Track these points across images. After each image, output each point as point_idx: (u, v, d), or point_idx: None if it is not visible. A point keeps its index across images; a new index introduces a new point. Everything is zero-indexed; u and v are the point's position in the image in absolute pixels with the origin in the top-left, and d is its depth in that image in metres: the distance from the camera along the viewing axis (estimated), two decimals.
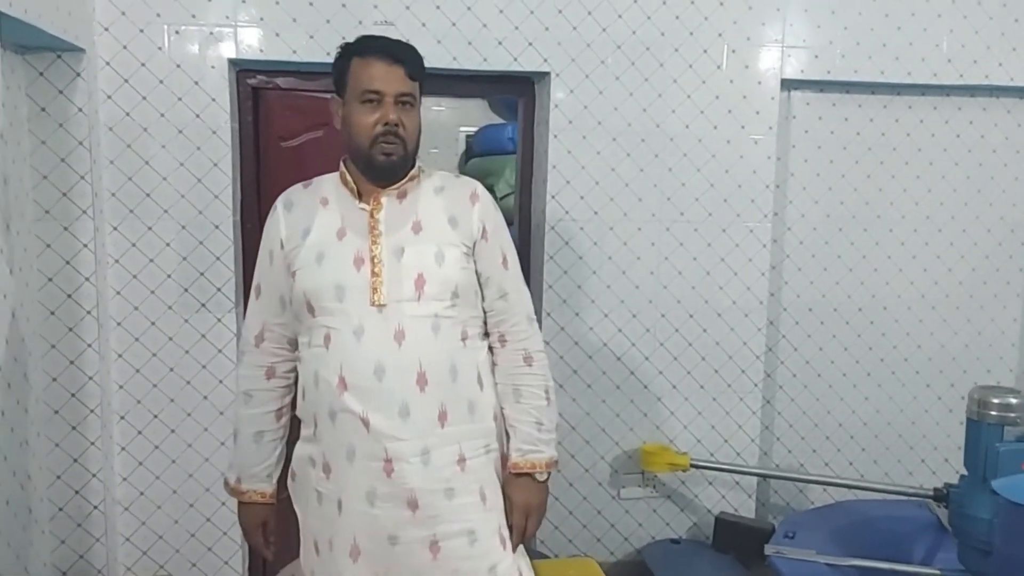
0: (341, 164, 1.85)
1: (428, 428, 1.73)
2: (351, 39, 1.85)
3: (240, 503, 1.94)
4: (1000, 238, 3.53)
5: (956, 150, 3.45)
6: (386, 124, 1.73)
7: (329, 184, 1.87)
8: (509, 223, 3.27)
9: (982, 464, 2.64)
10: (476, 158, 5.90)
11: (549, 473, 1.87)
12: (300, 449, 1.85)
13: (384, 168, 1.76)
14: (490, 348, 1.88)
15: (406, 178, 1.82)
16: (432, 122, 6.14)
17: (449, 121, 6.28)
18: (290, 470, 1.89)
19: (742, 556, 3.14)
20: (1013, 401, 2.64)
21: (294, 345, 1.85)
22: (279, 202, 1.88)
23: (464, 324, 1.78)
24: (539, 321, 3.04)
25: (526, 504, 1.83)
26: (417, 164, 1.86)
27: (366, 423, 1.70)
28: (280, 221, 1.85)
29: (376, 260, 1.75)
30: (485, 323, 1.86)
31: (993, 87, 3.34)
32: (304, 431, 1.83)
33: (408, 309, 1.73)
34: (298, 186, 1.91)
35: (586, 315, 3.14)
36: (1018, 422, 2.63)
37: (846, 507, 3.26)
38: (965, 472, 2.72)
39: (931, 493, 2.87)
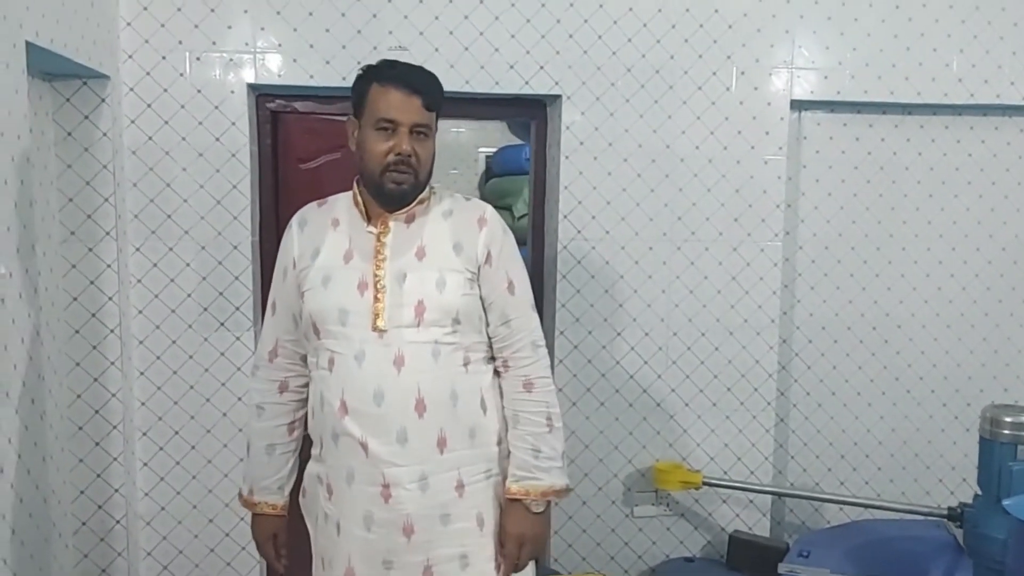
0: (354, 184, 1.88)
1: (426, 454, 1.75)
2: (367, 63, 1.88)
3: (253, 515, 1.98)
4: (1015, 256, 3.52)
5: (968, 169, 3.45)
6: (399, 154, 1.76)
7: (342, 204, 1.90)
8: (524, 243, 3.35)
9: (996, 483, 2.62)
10: (495, 178, 5.97)
11: (549, 502, 1.85)
12: (310, 467, 1.89)
13: (394, 196, 1.80)
14: (496, 372, 1.89)
15: (415, 202, 1.85)
16: (451, 143, 6.25)
17: (469, 142, 6.36)
18: (302, 486, 1.93)
19: (756, 575, 3.14)
20: None
21: (307, 361, 1.89)
22: (294, 220, 1.93)
23: (467, 349, 1.80)
24: (552, 340, 3.11)
25: (519, 534, 1.81)
26: (429, 187, 1.88)
27: (365, 447, 1.73)
28: (294, 240, 1.89)
29: (379, 285, 1.77)
30: (491, 347, 1.88)
31: (1005, 106, 3.35)
32: (313, 450, 1.87)
33: (408, 335, 1.75)
34: (313, 205, 1.95)
35: (599, 333, 3.17)
36: None
37: (862, 526, 3.25)
38: (980, 492, 2.71)
39: (945, 512, 2.86)
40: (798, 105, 3.25)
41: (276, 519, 1.97)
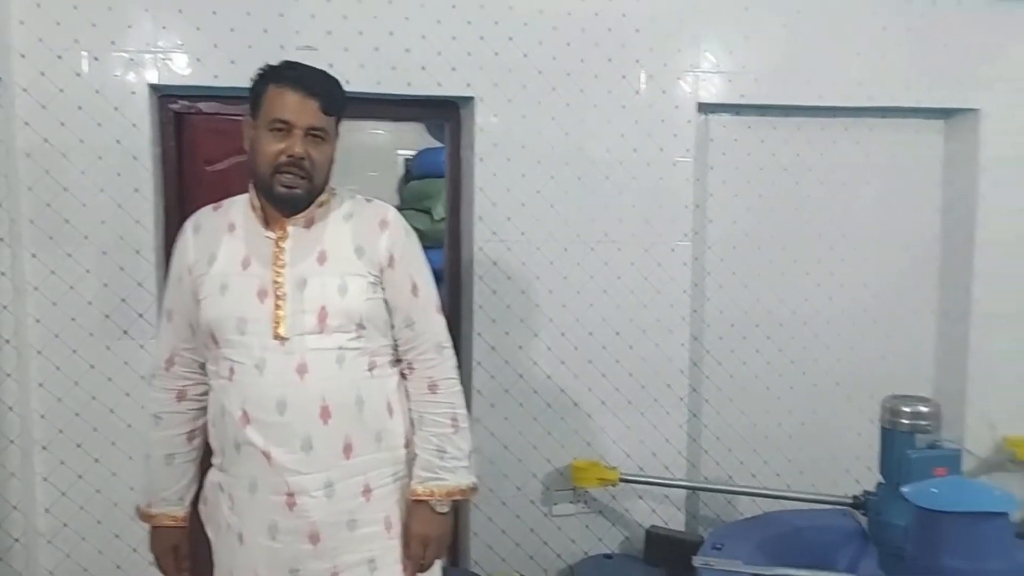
0: (250, 187, 1.84)
1: (332, 461, 1.73)
2: (269, 63, 1.84)
3: (152, 528, 1.92)
4: (914, 253, 3.68)
5: (868, 169, 3.59)
6: (291, 156, 1.71)
7: (239, 207, 1.84)
8: (440, 245, 3.34)
9: (896, 471, 2.74)
10: (415, 181, 5.94)
11: (454, 503, 1.84)
12: (211, 476, 1.84)
13: (284, 200, 1.75)
14: (402, 375, 1.88)
15: (314, 204, 1.80)
16: (370, 145, 6.18)
17: (388, 144, 6.29)
18: (202, 494, 1.88)
19: (673, 569, 3.19)
20: (923, 409, 2.75)
21: (206, 368, 1.84)
22: (188, 224, 1.87)
23: (372, 354, 1.78)
24: (470, 341, 3.11)
25: (423, 534, 1.81)
26: (328, 189, 1.84)
27: (268, 456, 1.70)
28: (188, 245, 1.84)
29: (279, 292, 1.74)
30: (396, 350, 1.86)
31: (901, 109, 3.49)
32: (214, 459, 1.83)
33: (311, 342, 1.72)
34: (208, 208, 1.89)
35: (515, 335, 3.18)
36: (929, 429, 2.74)
37: (772, 518, 3.33)
38: (882, 480, 2.82)
39: (850, 501, 2.97)
40: (705, 108, 3.33)
41: (177, 531, 1.92)
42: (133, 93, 2.78)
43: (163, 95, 2.92)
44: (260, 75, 1.79)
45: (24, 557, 2.73)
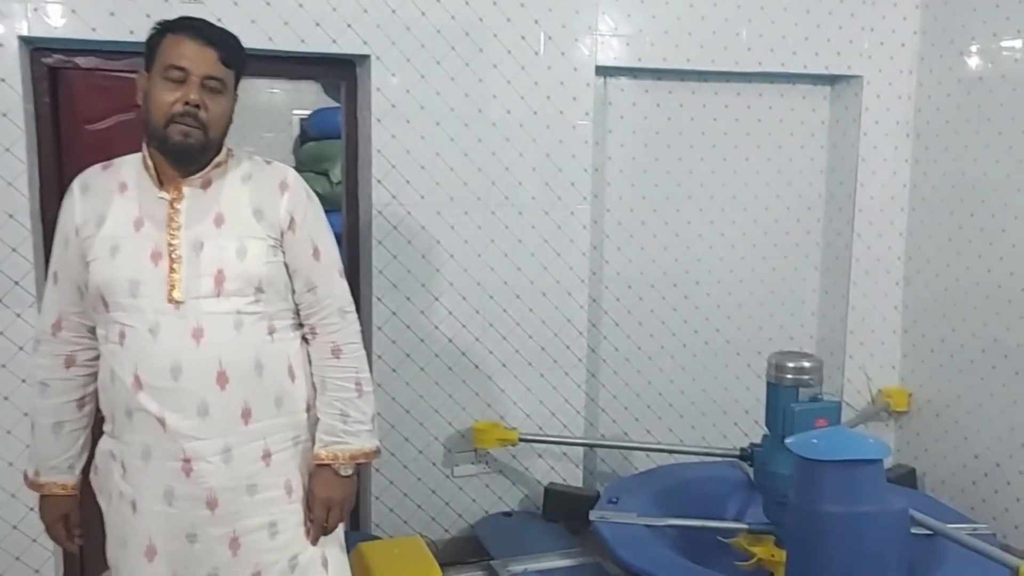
0: (143, 147, 1.76)
1: (229, 426, 1.70)
2: (154, 16, 1.77)
3: (41, 496, 1.85)
4: (798, 215, 3.83)
5: (758, 134, 3.71)
6: (187, 103, 1.66)
7: (130, 167, 1.77)
8: (339, 209, 3.28)
9: (780, 424, 2.87)
10: (311, 142, 5.78)
11: (357, 466, 1.83)
12: (102, 443, 1.78)
13: (178, 150, 1.69)
14: (304, 339, 1.85)
15: (211, 165, 1.75)
16: (264, 105, 5.98)
17: (283, 104, 6.09)
18: (93, 463, 1.81)
19: (571, 524, 3.28)
20: (806, 365, 2.88)
21: (95, 333, 1.77)
22: (75, 184, 1.78)
23: (272, 318, 1.75)
24: (370, 306, 3.08)
25: (326, 497, 1.80)
26: (226, 149, 1.79)
27: (163, 423, 1.66)
28: (76, 205, 1.75)
29: (174, 255, 1.68)
30: (298, 314, 1.83)
31: (789, 74, 3.61)
32: (105, 426, 1.77)
33: (207, 306, 1.68)
34: (96, 167, 1.81)
35: (417, 299, 3.16)
36: (811, 384, 2.87)
37: (666, 471, 3.46)
38: (768, 432, 2.95)
39: (738, 453, 3.10)
40: (603, 71, 3.35)
41: (66, 499, 1.85)
42: (1, 46, 2.60)
43: (36, 48, 2.73)
44: (157, 28, 1.73)
45: None
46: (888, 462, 3.77)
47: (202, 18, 1.78)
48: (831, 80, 3.73)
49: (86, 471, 1.87)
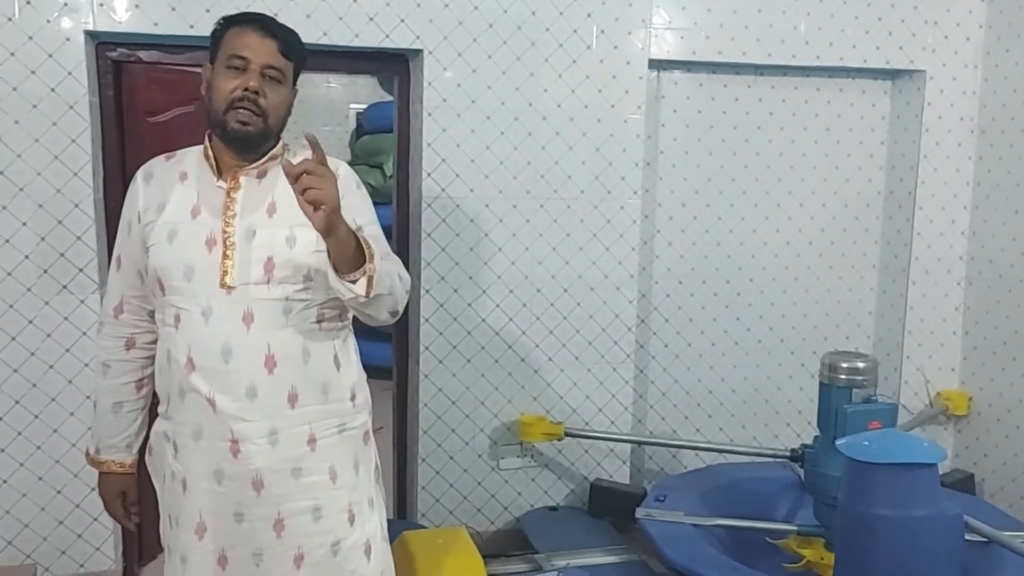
0: (205, 138, 1.82)
1: (276, 409, 1.73)
2: (214, 11, 1.84)
3: (100, 473, 1.93)
4: (856, 212, 3.75)
5: (815, 128, 3.63)
6: (246, 90, 1.70)
7: (192, 157, 1.83)
8: (389, 202, 3.31)
9: (832, 425, 2.82)
10: (366, 135, 5.85)
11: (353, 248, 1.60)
12: (157, 424, 1.84)
13: (237, 137, 1.73)
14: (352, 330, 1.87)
15: (267, 156, 1.80)
16: (322, 99, 6.08)
17: (340, 98, 6.20)
18: (148, 444, 1.88)
19: (616, 520, 3.27)
20: (860, 365, 2.82)
21: (154, 317, 1.83)
22: (139, 173, 1.85)
23: (321, 307, 1.78)
24: (418, 298, 3.11)
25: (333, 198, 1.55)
26: (282, 143, 1.84)
27: (212, 404, 1.70)
28: (139, 193, 1.82)
29: (228, 242, 1.73)
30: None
31: (848, 68, 3.53)
32: (160, 407, 1.83)
33: (257, 292, 1.72)
34: (160, 158, 1.87)
35: (464, 291, 3.18)
36: (865, 384, 2.82)
37: (715, 470, 3.42)
38: (819, 433, 2.90)
39: (788, 454, 3.05)
40: (656, 65, 3.32)
41: (124, 477, 1.92)
42: (68, 40, 2.69)
43: (100, 42, 2.82)
44: (221, 22, 1.79)
45: None
46: (945, 467, 3.67)
47: (264, 13, 1.84)
48: (892, 75, 3.64)
49: (143, 452, 1.94)
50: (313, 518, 1.78)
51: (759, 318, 3.69)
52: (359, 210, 1.83)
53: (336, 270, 1.61)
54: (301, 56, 1.80)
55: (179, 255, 1.73)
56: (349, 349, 1.87)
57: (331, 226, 1.54)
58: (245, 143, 1.76)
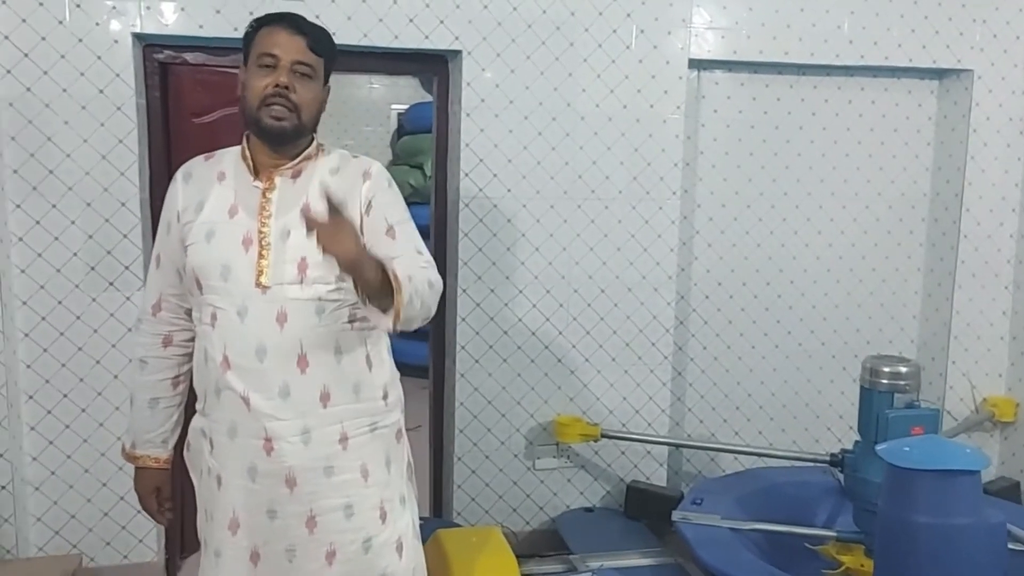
0: (243, 138, 1.85)
1: (309, 408, 1.75)
2: (258, 14, 1.85)
3: (136, 468, 1.96)
4: (901, 214, 3.68)
5: (859, 129, 3.57)
6: (277, 86, 1.73)
7: (230, 158, 1.86)
8: (426, 201, 3.33)
9: (873, 430, 2.78)
10: (407, 136, 5.90)
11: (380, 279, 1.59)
12: (194, 421, 1.87)
13: (272, 132, 1.75)
14: None
15: (302, 156, 1.82)
16: (364, 99, 6.15)
17: (381, 99, 6.26)
18: (187, 440, 1.91)
19: (653, 523, 3.25)
20: (903, 370, 2.78)
21: (191, 315, 1.86)
22: (179, 173, 1.88)
23: (353, 307, 1.78)
24: (455, 297, 3.12)
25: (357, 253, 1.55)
26: (316, 143, 1.86)
27: (247, 402, 1.73)
28: (178, 192, 1.85)
29: (264, 242, 1.75)
30: None
31: (893, 68, 3.46)
32: (197, 404, 1.86)
33: (291, 292, 1.73)
34: (199, 158, 1.91)
35: (501, 291, 3.19)
36: (907, 389, 2.77)
37: (753, 474, 3.39)
38: (860, 438, 2.86)
39: (828, 459, 3.01)
40: (696, 64, 3.30)
41: (159, 472, 1.96)
42: (116, 42, 2.75)
43: (148, 44, 2.89)
44: (253, 24, 1.82)
45: (12, 504, 2.78)
46: (990, 474, 3.59)
47: (293, 12, 1.86)
48: (939, 74, 3.57)
49: (178, 448, 1.97)
50: (345, 515, 1.79)
51: (800, 321, 3.64)
52: (391, 208, 1.84)
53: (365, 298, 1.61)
54: (331, 52, 1.83)
55: (216, 255, 1.76)
56: (381, 348, 1.88)
57: (353, 271, 1.54)
58: (280, 138, 1.78)
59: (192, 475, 1.92)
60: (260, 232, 1.76)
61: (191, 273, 1.79)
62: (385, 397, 1.86)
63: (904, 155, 3.64)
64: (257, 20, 1.82)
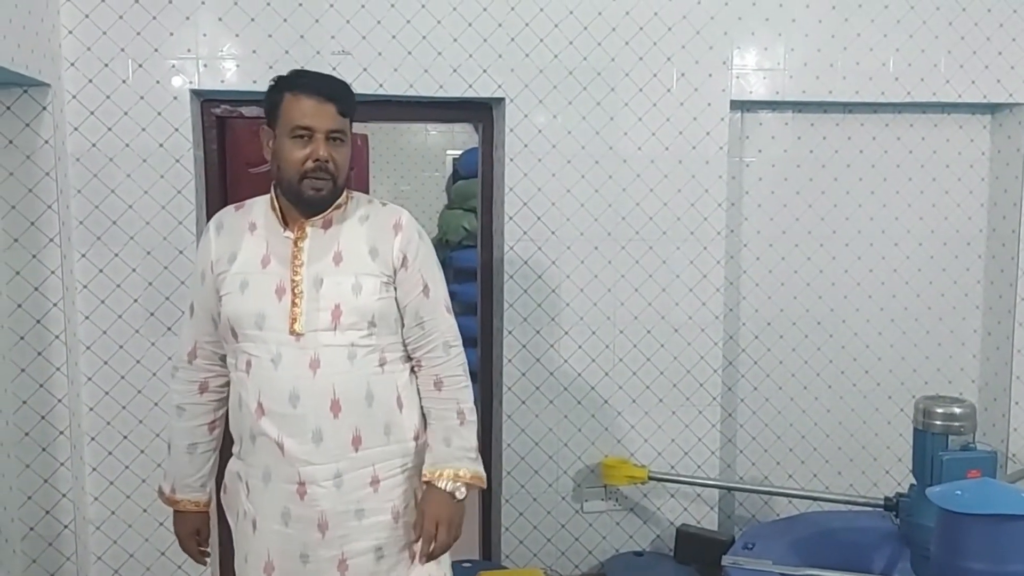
0: (272, 189, 1.91)
1: (341, 452, 1.79)
2: (308, 68, 1.91)
3: (175, 512, 2.02)
4: (956, 251, 3.60)
5: (909, 166, 3.52)
6: (316, 160, 1.78)
7: (260, 208, 1.92)
8: (473, 245, 3.39)
9: (928, 473, 2.70)
10: (462, 180, 6.00)
11: (463, 487, 1.87)
12: (231, 464, 1.93)
13: (313, 202, 1.83)
14: (413, 370, 1.93)
15: (332, 207, 1.87)
16: (421, 146, 6.29)
17: (437, 145, 6.40)
18: (223, 483, 1.96)
19: (703, 567, 3.19)
20: (957, 411, 2.70)
21: (226, 361, 1.93)
22: (211, 224, 1.95)
23: (383, 350, 1.84)
24: (501, 339, 3.16)
25: (435, 514, 1.84)
26: (345, 192, 1.91)
27: (281, 447, 1.78)
28: (211, 243, 1.92)
29: (297, 290, 1.81)
30: (407, 347, 1.91)
31: (942, 104, 3.42)
32: (233, 448, 1.91)
33: (324, 339, 1.79)
34: (230, 208, 1.98)
35: (546, 333, 3.21)
36: (962, 431, 2.69)
37: (807, 518, 3.30)
38: (915, 482, 2.78)
39: (882, 503, 2.93)
40: (739, 105, 3.31)
41: (199, 515, 2.02)
42: (175, 98, 2.89)
43: (205, 100, 3.03)
44: (273, 85, 1.87)
45: (73, 543, 2.87)
46: None
47: (311, 71, 1.92)
48: (991, 108, 3.51)
49: (218, 491, 2.03)
50: (375, 557, 1.82)
51: (853, 361, 3.57)
52: (426, 264, 1.90)
53: None
54: (354, 109, 1.88)
55: (251, 305, 1.81)
56: (411, 390, 1.92)
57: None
58: (320, 207, 1.85)
59: (228, 517, 1.97)
60: (293, 281, 1.82)
61: (226, 322, 1.84)
62: (416, 438, 1.90)
63: (957, 191, 3.57)
64: (277, 82, 1.86)
